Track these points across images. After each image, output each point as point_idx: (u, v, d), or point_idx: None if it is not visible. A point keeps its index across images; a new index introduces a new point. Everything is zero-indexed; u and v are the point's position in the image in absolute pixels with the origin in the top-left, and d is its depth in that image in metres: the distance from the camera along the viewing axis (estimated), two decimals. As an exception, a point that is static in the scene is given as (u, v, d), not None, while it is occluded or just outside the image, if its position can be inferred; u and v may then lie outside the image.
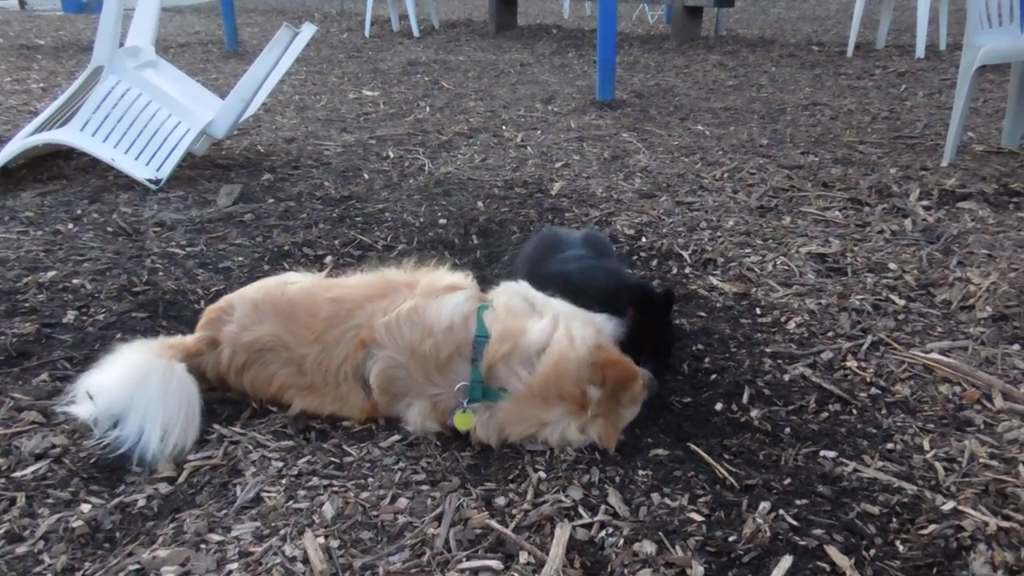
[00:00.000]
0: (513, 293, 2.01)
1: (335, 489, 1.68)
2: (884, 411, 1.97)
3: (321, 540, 1.52)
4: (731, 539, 1.51)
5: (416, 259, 2.26)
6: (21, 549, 1.51)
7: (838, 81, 6.47)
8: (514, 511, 1.60)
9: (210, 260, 2.95)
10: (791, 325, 2.43)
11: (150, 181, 3.80)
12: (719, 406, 2.01)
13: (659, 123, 5.21)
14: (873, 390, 2.07)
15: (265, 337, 1.91)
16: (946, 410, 1.96)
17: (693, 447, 1.82)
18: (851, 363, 2.19)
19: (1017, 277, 2.61)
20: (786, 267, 2.84)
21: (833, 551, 1.48)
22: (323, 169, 4.21)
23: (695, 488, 1.67)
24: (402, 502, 1.63)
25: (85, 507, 1.62)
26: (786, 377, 2.14)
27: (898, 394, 2.04)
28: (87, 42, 9.11)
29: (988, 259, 2.80)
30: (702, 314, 2.53)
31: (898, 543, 1.51)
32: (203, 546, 1.51)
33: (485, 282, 2.15)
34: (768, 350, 2.28)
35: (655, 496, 1.64)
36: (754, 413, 1.97)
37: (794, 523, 1.56)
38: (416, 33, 10.01)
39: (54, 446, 1.81)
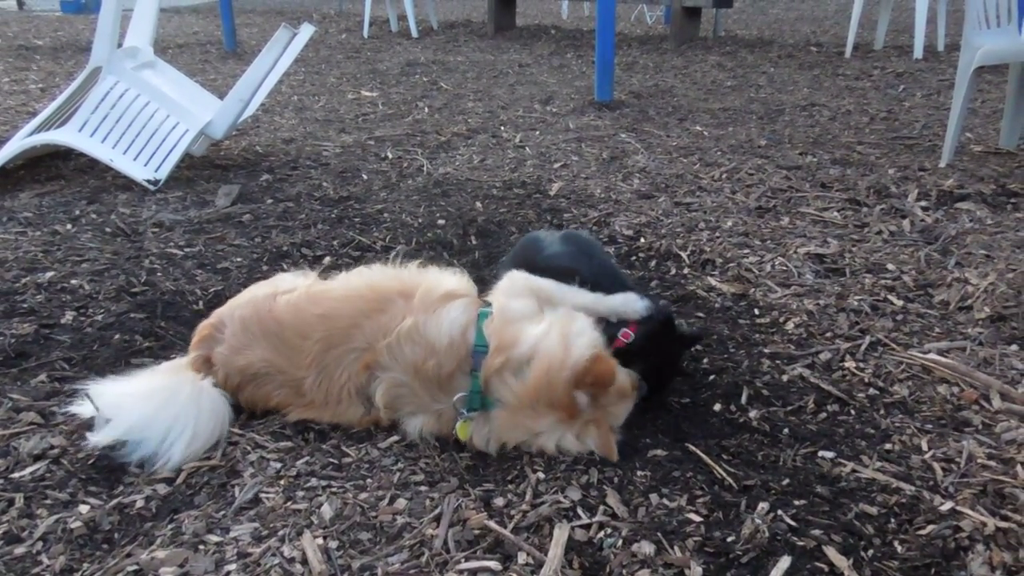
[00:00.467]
0: (514, 292, 1.96)
1: (334, 490, 1.68)
2: (882, 412, 1.97)
3: (320, 541, 1.52)
4: (730, 539, 1.52)
5: (403, 257, 2.22)
6: (19, 550, 1.51)
7: (836, 82, 6.47)
8: (513, 512, 1.60)
9: (208, 261, 2.95)
10: (789, 326, 2.43)
11: (148, 182, 3.79)
12: (718, 407, 2.01)
13: (657, 124, 5.21)
14: (871, 391, 2.07)
15: (258, 363, 1.91)
16: (944, 410, 1.97)
17: (691, 448, 1.82)
18: (849, 364, 2.19)
19: (1015, 278, 2.61)
20: (784, 268, 2.85)
21: (831, 551, 1.48)
22: (322, 170, 4.21)
23: (694, 489, 1.67)
24: (401, 503, 1.63)
25: (83, 508, 1.62)
26: (784, 378, 2.14)
27: (896, 395, 2.05)
28: (85, 42, 9.11)
29: (986, 260, 2.81)
30: (700, 315, 2.54)
31: (896, 543, 1.51)
32: (201, 547, 1.51)
33: (483, 283, 2.14)
34: (766, 351, 2.28)
35: (654, 497, 1.64)
36: (752, 414, 1.97)
37: (792, 523, 1.56)
38: (415, 34, 10.00)
39: (52, 447, 1.81)
